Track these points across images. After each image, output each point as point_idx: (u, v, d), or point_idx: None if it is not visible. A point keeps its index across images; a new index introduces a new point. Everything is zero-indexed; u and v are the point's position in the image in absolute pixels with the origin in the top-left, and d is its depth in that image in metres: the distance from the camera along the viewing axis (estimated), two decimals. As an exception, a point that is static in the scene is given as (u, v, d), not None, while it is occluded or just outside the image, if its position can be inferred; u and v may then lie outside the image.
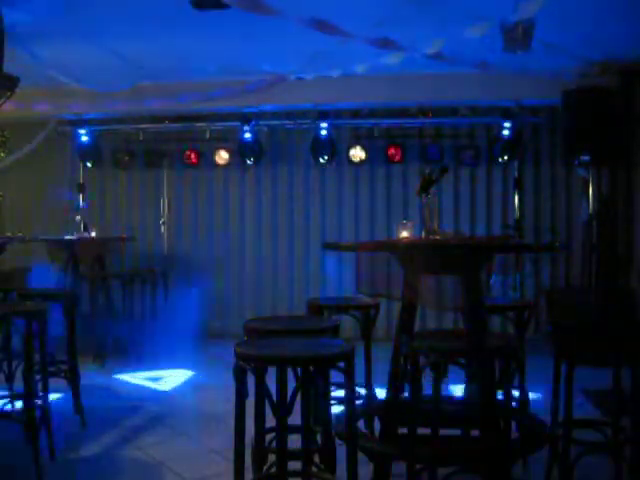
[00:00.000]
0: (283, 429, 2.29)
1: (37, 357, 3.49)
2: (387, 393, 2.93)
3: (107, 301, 6.57)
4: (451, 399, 3.38)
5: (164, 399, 4.85)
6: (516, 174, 7.17)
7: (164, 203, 7.70)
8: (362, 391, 3.81)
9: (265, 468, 2.68)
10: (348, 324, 4.27)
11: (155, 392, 5.05)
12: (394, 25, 4.64)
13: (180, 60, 6.02)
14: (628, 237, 6.15)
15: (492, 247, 2.93)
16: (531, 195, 7.17)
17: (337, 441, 2.73)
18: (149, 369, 5.87)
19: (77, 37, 5.18)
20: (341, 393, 2.69)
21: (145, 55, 5.78)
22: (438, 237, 2.90)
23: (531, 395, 3.69)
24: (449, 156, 7.08)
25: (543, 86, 6.14)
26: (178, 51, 5.74)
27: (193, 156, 7.52)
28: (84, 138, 7.44)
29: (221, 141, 7.50)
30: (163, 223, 7.68)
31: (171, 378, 5.54)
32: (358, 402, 3.57)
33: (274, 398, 2.26)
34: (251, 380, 2.30)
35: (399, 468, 2.84)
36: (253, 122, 7.21)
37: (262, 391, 2.28)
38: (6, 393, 3.82)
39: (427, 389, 2.67)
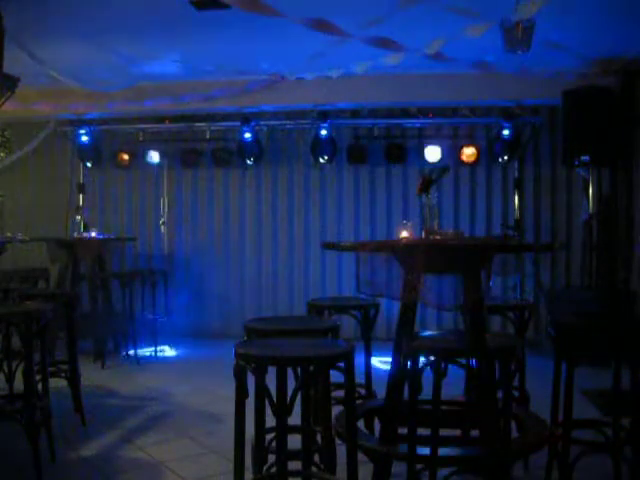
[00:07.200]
0: (283, 429, 2.29)
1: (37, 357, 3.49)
2: (387, 393, 2.94)
3: (107, 301, 6.57)
4: (451, 399, 3.37)
5: (164, 399, 4.84)
6: (516, 174, 7.16)
7: (164, 203, 7.70)
8: (362, 391, 3.81)
9: (265, 468, 2.68)
10: (348, 324, 4.27)
11: (155, 392, 5.05)
12: (394, 25, 4.64)
13: (180, 60, 6.01)
14: (628, 237, 6.15)
15: (492, 247, 2.93)
16: (531, 195, 7.17)
17: (337, 441, 2.73)
18: (149, 369, 5.87)
19: (77, 37, 5.18)
20: (341, 393, 2.68)
21: (145, 55, 5.78)
22: (438, 237, 2.90)
23: (531, 395, 3.69)
24: (449, 156, 7.07)
25: (543, 86, 6.14)
26: (178, 51, 5.74)
27: (192, 156, 7.52)
28: (84, 138, 7.43)
29: (221, 141, 7.51)
30: (163, 223, 7.67)
31: (171, 378, 5.54)
32: (358, 402, 3.57)
33: (274, 398, 2.26)
34: (251, 380, 2.30)
35: (399, 468, 2.83)
36: (253, 122, 7.21)
37: (262, 391, 2.28)
38: (6, 393, 3.81)
39: (427, 389, 2.67)
